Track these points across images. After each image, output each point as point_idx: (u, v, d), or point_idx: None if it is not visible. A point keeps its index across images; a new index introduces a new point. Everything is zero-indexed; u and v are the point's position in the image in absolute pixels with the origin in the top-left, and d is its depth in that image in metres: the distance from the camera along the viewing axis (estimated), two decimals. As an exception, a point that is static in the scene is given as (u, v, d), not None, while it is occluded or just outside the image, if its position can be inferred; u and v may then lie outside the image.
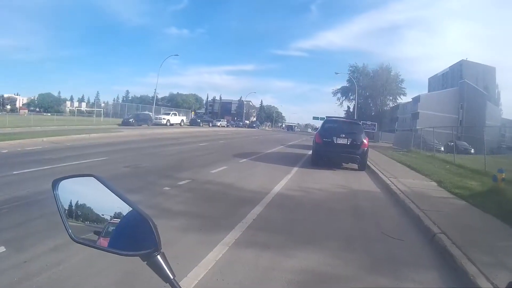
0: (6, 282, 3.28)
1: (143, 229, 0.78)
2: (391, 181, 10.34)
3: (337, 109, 74.60)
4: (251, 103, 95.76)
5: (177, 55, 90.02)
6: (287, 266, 4.21)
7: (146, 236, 0.77)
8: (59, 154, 12.64)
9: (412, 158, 17.25)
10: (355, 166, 13.86)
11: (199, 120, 55.26)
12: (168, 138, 23.70)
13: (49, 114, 48.16)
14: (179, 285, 0.76)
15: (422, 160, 16.90)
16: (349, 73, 67.69)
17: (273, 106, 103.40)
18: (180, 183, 8.78)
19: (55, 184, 0.86)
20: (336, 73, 63.94)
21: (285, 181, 10.27)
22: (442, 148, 24.63)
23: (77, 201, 0.86)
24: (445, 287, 3.99)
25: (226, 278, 3.80)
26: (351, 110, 66.37)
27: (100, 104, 64.72)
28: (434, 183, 10.31)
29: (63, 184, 0.88)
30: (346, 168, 13.97)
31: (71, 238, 0.82)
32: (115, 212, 0.83)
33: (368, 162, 14.08)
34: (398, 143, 28.37)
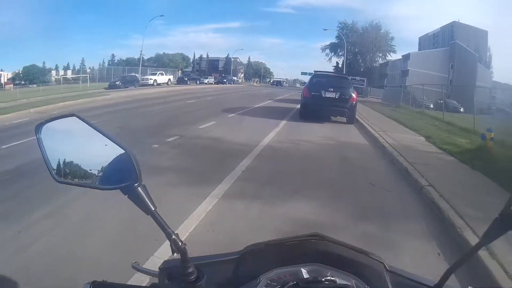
0: (3, 255, 3.18)
1: (123, 162, 0.76)
2: (379, 135, 10.31)
3: (326, 65, 73.42)
4: (238, 60, 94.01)
5: (162, 16, 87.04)
6: (276, 215, 4.20)
7: (126, 170, 0.75)
8: None
9: (401, 114, 17.18)
10: (344, 119, 13.80)
11: (186, 79, 53.96)
12: (155, 97, 23.14)
13: (35, 85, 46.60)
14: (160, 217, 0.72)
15: (411, 115, 16.83)
16: (338, 30, 66.31)
17: (261, 62, 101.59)
18: (169, 139, 8.69)
19: (38, 128, 0.84)
20: (325, 30, 62.96)
21: (274, 134, 10.22)
22: (432, 106, 24.58)
23: (64, 159, 0.84)
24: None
25: (217, 228, 3.79)
26: (340, 66, 65.50)
27: (86, 70, 62.79)
28: (423, 138, 10.29)
29: (46, 127, 0.86)
30: (335, 122, 13.91)
31: (55, 179, 0.80)
32: (96, 149, 0.81)
33: (356, 116, 13.99)
34: (387, 99, 28.33)
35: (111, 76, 49.24)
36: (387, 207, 4.80)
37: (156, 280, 0.81)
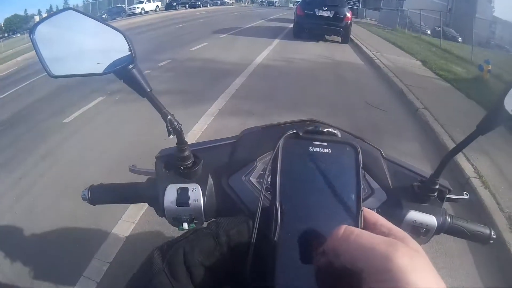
0: (7, 204, 3.15)
1: (118, 46, 0.74)
2: (374, 55, 10.07)
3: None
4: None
5: None
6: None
7: (121, 53, 0.73)
8: (36, 67, 11.64)
9: (397, 37, 16.66)
10: (338, 39, 13.47)
11: (175, 4, 51.98)
12: (144, 25, 21.91)
13: (19, 34, 44.42)
14: (156, 98, 0.72)
15: (408, 39, 16.35)
16: None
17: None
18: (160, 64, 8.46)
19: (33, 29, 0.77)
20: None
21: (267, 52, 10.01)
22: (429, 32, 24.05)
23: (57, 39, 0.81)
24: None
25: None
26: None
27: None
28: (419, 62, 10.08)
29: (42, 26, 0.79)
30: (329, 41, 13.57)
31: (49, 75, 0.74)
32: (92, 37, 0.79)
33: (351, 37, 13.61)
34: (383, 22, 27.51)
35: (97, 11, 47.30)
36: (382, 126, 4.79)
37: (153, 171, 0.80)
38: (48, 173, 3.66)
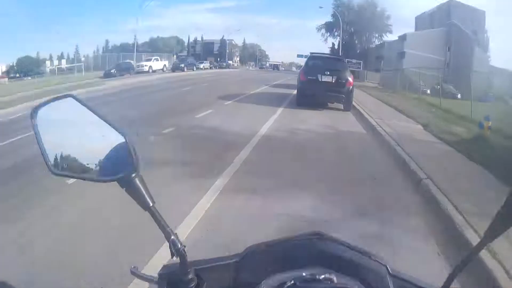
0: (6, 257, 3.15)
1: (121, 150, 0.74)
2: (376, 123, 10.28)
3: (322, 45, 72.46)
4: (233, 42, 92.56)
5: None
6: (275, 210, 4.22)
7: (123, 156, 0.73)
8: None
9: (398, 100, 17.08)
10: (341, 106, 13.72)
11: (182, 65, 53.16)
12: (151, 85, 22.75)
13: (29, 77, 45.75)
14: (159, 213, 0.71)
15: (408, 102, 16.76)
16: (333, 8, 65.70)
17: (256, 44, 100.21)
18: (165, 131, 8.61)
19: (34, 113, 0.81)
20: (320, 7, 62.13)
21: (271, 122, 10.21)
22: (429, 91, 24.54)
23: (61, 153, 0.81)
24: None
25: (216, 226, 3.81)
26: (336, 47, 64.98)
27: (81, 59, 61.29)
28: (420, 126, 10.28)
29: (42, 111, 0.83)
30: (332, 108, 13.86)
31: (51, 171, 0.77)
32: (93, 134, 0.80)
33: (353, 103, 13.92)
34: (384, 84, 28.33)
35: (106, 63, 48.20)
36: (385, 201, 4.84)
37: (155, 286, 0.79)
38: (52, 230, 3.69)
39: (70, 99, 0.80)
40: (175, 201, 4.32)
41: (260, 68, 77.75)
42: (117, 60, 47.29)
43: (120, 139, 0.75)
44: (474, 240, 3.50)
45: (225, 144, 7.38)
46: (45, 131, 0.82)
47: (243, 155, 6.57)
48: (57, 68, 58.12)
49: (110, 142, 0.76)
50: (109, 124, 0.76)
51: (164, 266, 0.80)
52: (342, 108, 13.66)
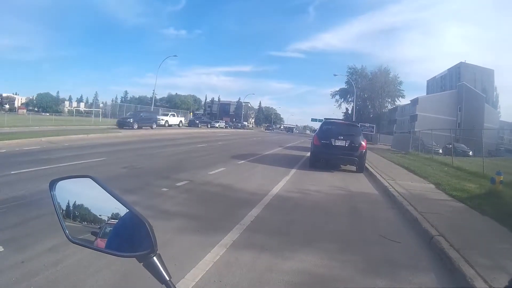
0: (3, 282, 3.27)
1: (139, 230, 0.78)
2: (389, 183, 10.34)
3: (336, 110, 74.70)
4: (249, 105, 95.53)
5: (176, 56, 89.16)
6: (284, 268, 4.21)
7: (142, 238, 0.77)
8: (57, 154, 12.61)
9: (410, 161, 17.21)
10: (353, 168, 13.89)
11: (197, 122, 54.23)
12: (166, 139, 23.56)
13: (47, 114, 47.40)
14: (174, 286, 0.76)
15: (420, 162, 16.86)
16: (347, 75, 67.80)
17: (271, 107, 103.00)
18: (178, 184, 8.75)
19: (52, 184, 0.86)
20: (335, 75, 64.39)
21: (283, 182, 10.27)
22: (441, 151, 24.60)
23: (75, 202, 0.86)
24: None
25: (224, 280, 3.80)
26: (350, 112, 66.18)
27: (99, 105, 63.67)
28: (432, 185, 10.31)
29: (60, 184, 0.88)
30: (344, 170, 13.98)
31: (68, 238, 0.82)
32: (112, 213, 0.84)
33: (366, 164, 14.08)
34: (396, 145, 28.32)
35: (123, 112, 47.72)
36: (397, 259, 4.80)
37: None
38: (51, 269, 3.69)
39: (88, 180, 0.86)
40: (183, 253, 4.37)
41: (273, 130, 78.98)
42: (134, 111, 45.32)
43: (138, 219, 0.80)
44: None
45: (237, 202, 7.46)
46: (62, 202, 0.88)
47: (254, 213, 6.61)
48: (75, 109, 59.51)
49: (129, 223, 0.81)
50: (128, 208, 0.82)
51: None
52: (355, 170, 13.82)
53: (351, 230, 6.08)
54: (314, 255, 4.73)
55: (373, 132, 43.59)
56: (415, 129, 33.01)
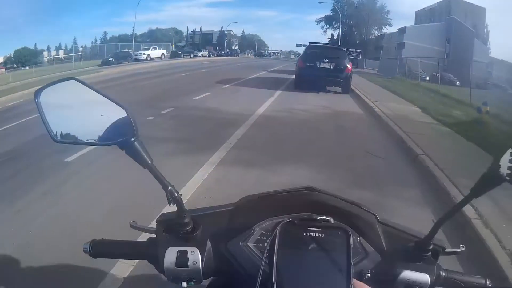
0: (2, 234, 3.16)
1: (121, 119, 0.78)
2: (374, 104, 10.26)
3: (321, 37, 72.44)
4: (232, 33, 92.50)
5: None
6: (273, 181, 4.20)
7: (124, 126, 0.77)
8: None
9: (397, 85, 16.98)
10: (339, 89, 13.71)
11: (180, 52, 52.75)
12: (149, 72, 22.53)
13: (27, 68, 45.48)
14: (157, 169, 0.75)
15: (407, 87, 16.70)
16: (333, 3, 65.46)
17: (256, 35, 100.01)
18: (164, 111, 8.63)
19: (37, 93, 0.83)
20: (320, 2, 61.85)
21: (269, 103, 10.22)
22: (427, 78, 24.48)
23: (60, 104, 0.86)
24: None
25: (214, 195, 3.82)
26: (335, 38, 64.69)
27: (78, 49, 61.07)
28: (418, 109, 10.23)
29: (46, 92, 0.85)
30: (330, 92, 13.80)
31: (54, 139, 0.82)
32: (96, 108, 0.83)
33: (352, 87, 13.90)
34: (383, 71, 28.02)
35: (104, 53, 48.11)
36: (383, 175, 4.85)
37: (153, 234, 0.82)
38: (48, 210, 3.66)
39: (72, 82, 0.82)
40: (173, 174, 4.26)
41: (257, 56, 77.98)
42: (115, 50, 47.37)
43: (121, 112, 0.79)
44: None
45: (223, 123, 7.38)
46: (48, 109, 0.85)
47: (240, 132, 6.58)
48: (55, 58, 57.63)
49: (111, 115, 0.80)
50: (110, 99, 0.80)
51: (162, 214, 0.82)
52: (340, 91, 13.65)
53: (338, 147, 6.08)
54: (302, 169, 4.74)
55: (359, 57, 43.03)
56: (402, 56, 32.56)
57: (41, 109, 0.83)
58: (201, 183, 4.17)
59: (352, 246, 0.66)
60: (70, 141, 0.84)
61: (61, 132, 0.84)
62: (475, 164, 5.35)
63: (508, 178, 0.65)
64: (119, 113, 0.79)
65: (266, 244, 0.73)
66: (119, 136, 0.77)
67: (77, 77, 0.83)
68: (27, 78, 25.46)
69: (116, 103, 0.80)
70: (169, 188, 0.74)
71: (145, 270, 2.68)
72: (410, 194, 4.27)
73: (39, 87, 0.86)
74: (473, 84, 14.57)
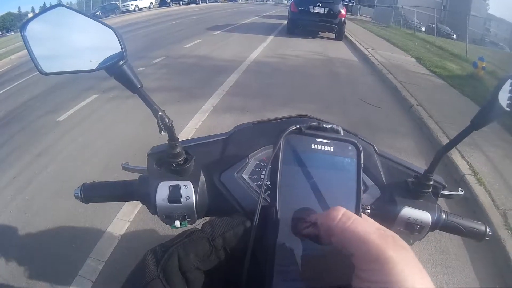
0: (1, 204, 3.14)
1: (109, 42, 0.73)
2: (368, 52, 10.10)
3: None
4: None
5: None
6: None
7: (112, 49, 0.73)
8: (29, 65, 11.47)
9: (392, 34, 16.62)
10: (332, 35, 13.46)
11: (168, 0, 51.51)
12: (138, 22, 21.59)
13: (12, 33, 43.97)
14: (146, 94, 0.70)
15: (402, 36, 16.37)
16: None
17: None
18: (154, 61, 8.41)
19: (24, 26, 0.77)
20: None
21: (261, 49, 10.02)
22: (423, 29, 24.08)
23: (48, 35, 0.81)
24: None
25: None
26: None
27: (64, 4, 59.70)
28: (413, 59, 10.09)
29: (32, 24, 0.78)
30: (323, 37, 13.53)
31: (41, 72, 0.75)
32: (83, 33, 0.78)
33: (345, 33, 13.59)
34: (378, 18, 27.44)
35: (91, 7, 46.89)
36: (377, 123, 4.82)
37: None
38: (43, 172, 3.63)
39: (60, 8, 0.78)
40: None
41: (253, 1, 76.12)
42: (102, 3, 46.31)
43: (110, 33, 0.75)
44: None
45: (215, 70, 7.26)
46: (35, 42, 0.79)
47: (232, 79, 6.52)
48: None
49: (99, 38, 0.77)
50: (98, 21, 0.75)
51: (153, 148, 0.79)
52: (334, 37, 13.40)
53: (331, 93, 6.00)
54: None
55: (353, 3, 41.80)
56: (397, 4, 31.80)
57: (27, 42, 0.77)
58: (194, 133, 4.18)
59: (362, 165, 0.57)
60: (57, 71, 0.79)
61: (49, 64, 0.79)
62: (469, 118, 5.34)
63: (508, 108, 0.63)
64: (107, 36, 0.75)
65: (262, 155, 0.72)
66: (108, 60, 0.73)
67: (64, 4, 0.80)
68: (14, 43, 24.38)
69: (105, 25, 0.75)
70: (160, 113, 0.69)
71: (141, 226, 2.72)
72: (404, 144, 4.27)
73: (26, 19, 0.82)
74: (470, 39, 14.23)
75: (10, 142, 4.61)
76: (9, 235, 2.69)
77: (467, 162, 3.71)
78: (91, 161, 3.71)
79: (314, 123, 0.61)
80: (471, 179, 3.40)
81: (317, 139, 0.57)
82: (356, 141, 0.57)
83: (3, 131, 5.07)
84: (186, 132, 4.17)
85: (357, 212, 0.53)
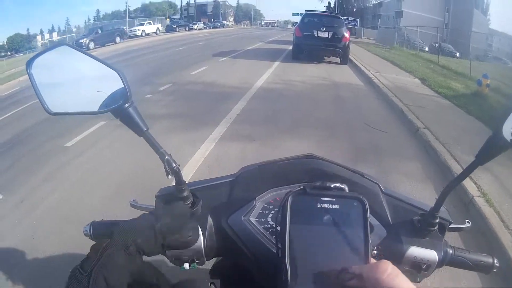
0: (9, 226, 3.18)
1: (115, 84, 0.75)
2: (373, 75, 10.14)
3: (318, 5, 71.57)
4: (227, 3, 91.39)
5: None
6: (272, 156, 4.13)
7: (117, 91, 0.74)
8: None
9: (396, 55, 16.71)
10: (337, 60, 13.51)
11: (175, 26, 51.51)
12: (144, 47, 22.06)
13: (21, 54, 44.52)
14: (153, 137, 0.72)
15: (406, 57, 16.38)
16: (330, -32, 64.17)
17: (251, 4, 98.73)
18: (162, 88, 8.53)
19: (29, 63, 0.80)
20: (317, -31, 60.80)
21: (267, 75, 10.10)
22: (427, 48, 24.07)
23: (53, 74, 0.83)
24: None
25: (216, 174, 3.78)
26: (332, 6, 63.71)
27: (72, 30, 60.22)
28: (418, 80, 10.13)
29: (38, 61, 0.82)
30: (328, 62, 13.60)
31: (48, 112, 0.78)
32: (89, 74, 0.80)
33: (350, 57, 13.67)
34: (381, 40, 27.60)
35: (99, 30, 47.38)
36: (383, 148, 4.82)
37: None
38: (50, 197, 3.66)
39: (64, 47, 0.79)
40: (173, 152, 4.24)
41: (259, 26, 77.32)
42: (111, 27, 42.01)
43: (114, 76, 0.75)
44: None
45: (222, 97, 7.33)
46: (41, 78, 0.81)
47: (239, 106, 6.57)
48: (49, 41, 56.72)
49: (104, 80, 0.77)
50: (103, 63, 0.76)
51: (161, 189, 0.80)
52: (339, 61, 13.45)
53: (337, 119, 6.04)
54: (302, 142, 4.74)
55: (357, 26, 42.16)
56: (401, 25, 32.06)
57: (33, 79, 0.80)
58: (202, 162, 4.19)
59: (369, 219, 0.58)
60: (63, 111, 0.81)
61: (55, 103, 0.81)
62: (476, 139, 5.33)
63: None
64: (112, 78, 0.77)
65: (272, 216, 0.72)
66: (113, 103, 0.74)
67: (68, 43, 0.82)
68: (22, 64, 24.63)
69: (109, 67, 0.76)
70: (166, 157, 0.70)
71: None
72: (411, 168, 4.26)
73: (31, 56, 0.83)
74: (473, 56, 14.32)
75: (18, 166, 4.67)
76: (16, 259, 2.70)
77: (475, 183, 3.69)
78: (99, 187, 3.73)
79: (318, 183, 0.62)
80: (480, 201, 3.37)
81: (322, 198, 0.59)
82: (361, 197, 0.59)
83: (11, 154, 5.15)
84: (195, 161, 4.19)
85: (366, 262, 0.55)
